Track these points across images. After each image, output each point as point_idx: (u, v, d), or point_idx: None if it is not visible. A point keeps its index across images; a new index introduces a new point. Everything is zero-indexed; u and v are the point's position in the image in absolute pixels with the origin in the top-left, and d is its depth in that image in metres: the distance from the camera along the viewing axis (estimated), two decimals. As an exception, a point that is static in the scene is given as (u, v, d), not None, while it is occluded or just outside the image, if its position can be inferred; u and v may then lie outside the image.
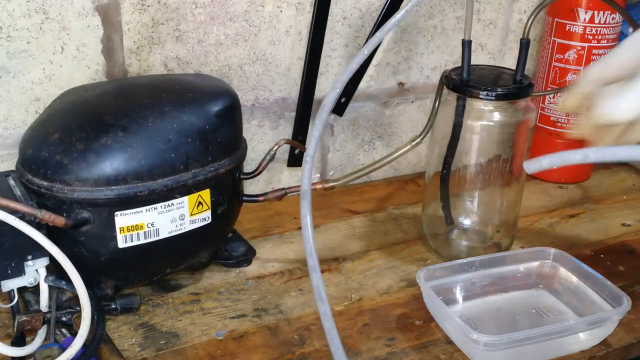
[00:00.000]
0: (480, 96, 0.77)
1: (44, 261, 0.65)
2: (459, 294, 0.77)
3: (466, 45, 0.79)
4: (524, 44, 0.80)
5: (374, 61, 1.00)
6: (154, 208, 0.68)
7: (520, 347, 0.66)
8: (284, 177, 1.01)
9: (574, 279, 0.78)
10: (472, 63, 0.80)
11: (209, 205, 0.72)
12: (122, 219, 0.67)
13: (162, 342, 0.70)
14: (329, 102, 0.51)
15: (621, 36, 1.08)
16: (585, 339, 0.70)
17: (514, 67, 0.81)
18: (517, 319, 0.74)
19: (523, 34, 0.81)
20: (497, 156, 0.82)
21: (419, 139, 0.80)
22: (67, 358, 0.61)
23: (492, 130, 0.81)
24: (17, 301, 0.66)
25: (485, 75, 0.81)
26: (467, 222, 0.88)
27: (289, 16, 0.91)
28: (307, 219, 0.48)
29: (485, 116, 0.80)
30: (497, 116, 0.80)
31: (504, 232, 0.87)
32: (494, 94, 0.77)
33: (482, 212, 0.88)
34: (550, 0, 0.82)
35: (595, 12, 0.99)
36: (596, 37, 1.00)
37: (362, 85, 1.00)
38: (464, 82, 0.78)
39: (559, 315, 0.75)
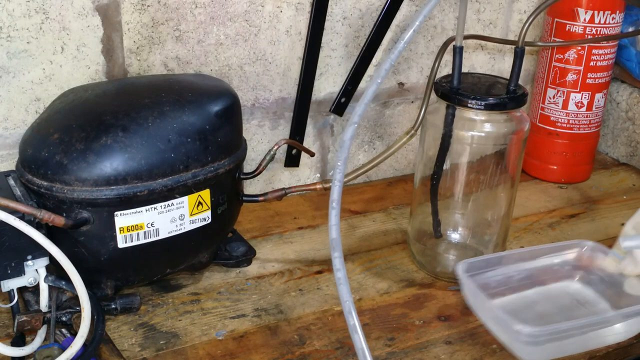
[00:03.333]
0: (469, 105, 0.74)
1: (44, 261, 0.65)
2: (498, 287, 0.76)
3: (457, 51, 0.76)
4: (519, 53, 0.76)
5: (374, 61, 1.00)
6: (154, 208, 0.68)
7: (561, 339, 0.66)
8: (284, 177, 1.01)
9: (607, 272, 0.76)
10: (472, 68, 0.78)
11: (209, 205, 0.72)
12: (122, 219, 0.67)
13: (162, 342, 0.70)
14: (347, 139, 0.50)
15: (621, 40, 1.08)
16: (621, 331, 0.70)
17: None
18: (555, 311, 0.74)
19: (518, 42, 0.76)
20: (488, 168, 0.80)
21: (413, 131, 0.80)
22: (67, 358, 0.61)
23: (483, 142, 0.79)
24: (17, 301, 0.66)
25: (477, 84, 0.78)
26: (455, 236, 0.86)
27: (289, 16, 0.91)
28: (341, 273, 0.46)
29: (477, 127, 0.77)
30: (488, 127, 0.77)
31: (494, 247, 0.84)
32: (483, 103, 0.74)
33: (471, 226, 0.86)
34: (545, 6, 0.79)
35: (595, 12, 0.99)
36: (596, 37, 1.00)
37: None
38: (453, 90, 0.76)
39: (596, 307, 0.74)
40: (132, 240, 0.68)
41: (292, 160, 0.99)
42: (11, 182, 0.69)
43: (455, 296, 0.79)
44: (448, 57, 0.80)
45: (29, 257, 0.64)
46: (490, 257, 0.77)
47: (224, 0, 0.86)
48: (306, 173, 1.02)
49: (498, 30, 1.09)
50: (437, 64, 0.81)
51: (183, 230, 0.71)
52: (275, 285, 0.80)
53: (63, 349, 0.62)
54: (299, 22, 0.92)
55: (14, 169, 0.70)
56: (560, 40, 1.02)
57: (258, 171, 0.80)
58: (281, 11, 0.90)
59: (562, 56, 1.03)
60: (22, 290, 0.67)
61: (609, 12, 0.99)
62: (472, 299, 0.73)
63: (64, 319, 0.67)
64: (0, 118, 0.79)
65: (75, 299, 0.65)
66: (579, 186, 1.09)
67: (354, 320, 0.45)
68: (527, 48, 0.90)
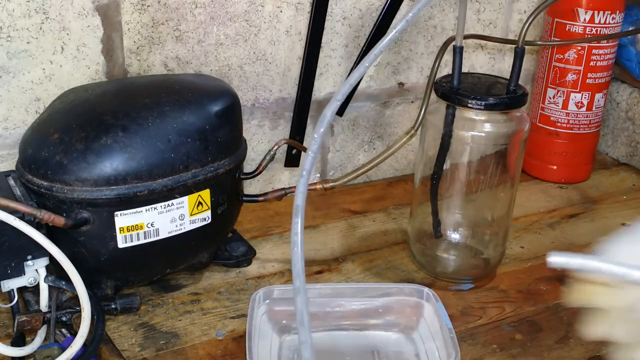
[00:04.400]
0: (469, 105, 0.74)
1: (44, 261, 0.65)
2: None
3: (457, 51, 0.76)
4: (519, 53, 0.76)
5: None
6: (154, 208, 0.68)
7: None
8: (283, 177, 1.01)
9: (434, 326, 0.68)
10: (472, 68, 0.78)
11: (209, 205, 0.72)
12: (122, 219, 0.67)
13: (162, 342, 0.70)
14: (328, 114, 0.50)
15: (621, 39, 1.08)
16: None
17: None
18: (347, 359, 0.67)
19: (518, 42, 0.76)
20: (488, 168, 0.80)
21: (413, 131, 0.80)
22: (67, 358, 0.61)
23: (483, 142, 0.78)
24: (17, 301, 0.66)
25: (477, 84, 0.78)
26: (455, 236, 0.85)
27: (289, 16, 0.91)
28: (297, 237, 0.46)
29: (477, 127, 0.77)
30: (488, 127, 0.77)
31: (494, 247, 0.83)
32: (483, 103, 0.74)
33: (471, 226, 0.85)
34: (545, 6, 0.79)
35: (595, 12, 0.99)
36: (597, 36, 1.00)
37: (362, 85, 1.00)
38: (453, 90, 0.76)
39: None
40: (132, 240, 0.68)
41: (292, 160, 0.99)
42: (11, 182, 0.69)
43: (456, 296, 0.79)
44: (448, 57, 0.80)
45: (29, 257, 0.64)
46: (308, 287, 0.69)
47: (224, 0, 0.86)
48: (306, 173, 1.02)
49: (498, 30, 1.09)
50: (437, 64, 0.81)
51: (183, 230, 0.71)
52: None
53: (63, 349, 0.62)
54: (299, 22, 0.92)
55: (14, 169, 0.70)
56: (561, 39, 1.02)
57: (258, 171, 0.80)
58: (281, 11, 0.90)
59: (562, 56, 1.03)
60: (22, 290, 0.67)
61: (609, 12, 0.99)
62: (253, 329, 0.64)
63: (64, 319, 0.67)
64: (0, 118, 0.79)
65: (75, 299, 0.65)
66: (579, 186, 1.09)
67: (299, 284, 0.45)
68: (527, 48, 0.90)
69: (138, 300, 0.72)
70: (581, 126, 1.06)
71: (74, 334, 0.64)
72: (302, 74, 0.94)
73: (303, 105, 0.96)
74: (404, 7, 0.98)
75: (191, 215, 0.71)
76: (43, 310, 0.66)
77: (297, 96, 0.96)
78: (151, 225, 0.69)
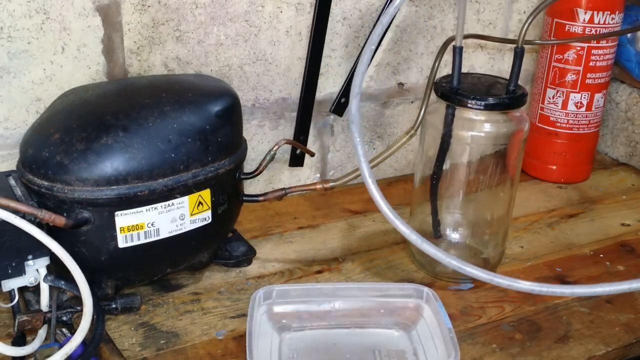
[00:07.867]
0: (469, 105, 0.74)
1: (45, 261, 0.65)
2: (303, 321, 0.71)
3: (457, 51, 0.76)
4: (518, 53, 0.77)
5: (374, 61, 1.00)
6: (154, 208, 0.68)
7: None
8: (284, 177, 1.01)
9: (434, 325, 0.69)
10: (472, 68, 0.78)
11: (209, 205, 0.72)
12: (123, 218, 0.67)
13: (162, 341, 0.70)
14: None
15: (620, 39, 1.08)
16: None
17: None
18: (347, 357, 0.68)
19: (518, 42, 0.77)
20: (488, 168, 0.80)
21: (413, 131, 0.80)
22: (66, 353, 0.61)
23: (483, 142, 0.79)
24: (18, 301, 0.66)
25: (477, 84, 0.79)
26: (455, 236, 0.85)
27: (289, 16, 0.91)
28: None
29: (476, 127, 0.77)
30: (488, 127, 0.77)
31: (493, 247, 0.84)
32: (482, 103, 0.74)
33: (471, 225, 0.85)
34: (544, 6, 0.80)
35: (595, 13, 0.99)
36: (597, 34, 1.00)
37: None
38: (453, 90, 0.76)
39: None
40: (132, 240, 0.68)
41: (296, 160, 1.00)
42: (12, 182, 0.69)
43: (455, 296, 0.80)
44: (448, 57, 0.81)
45: (30, 256, 0.64)
46: (312, 287, 0.72)
47: (224, 1, 0.86)
48: (306, 173, 1.02)
49: (498, 30, 1.09)
50: (437, 64, 0.82)
51: (183, 230, 0.71)
52: (275, 285, 0.80)
53: (64, 348, 0.62)
54: (299, 22, 0.92)
55: (15, 169, 0.71)
56: (561, 38, 1.02)
57: (258, 171, 0.80)
58: (281, 11, 0.90)
59: (561, 56, 1.03)
60: (22, 290, 0.67)
61: (609, 12, 0.99)
62: (253, 328, 0.66)
63: (64, 318, 0.67)
64: (1, 118, 0.79)
65: (76, 298, 0.65)
66: (578, 186, 1.09)
67: None
68: (526, 48, 0.90)
69: (138, 299, 0.72)
70: (580, 126, 1.06)
71: (74, 333, 0.65)
72: (305, 74, 0.94)
73: (307, 105, 0.96)
74: (404, 8, 0.98)
75: (191, 215, 0.71)
76: (44, 310, 0.66)
77: (300, 96, 0.96)
78: (152, 225, 0.69)
